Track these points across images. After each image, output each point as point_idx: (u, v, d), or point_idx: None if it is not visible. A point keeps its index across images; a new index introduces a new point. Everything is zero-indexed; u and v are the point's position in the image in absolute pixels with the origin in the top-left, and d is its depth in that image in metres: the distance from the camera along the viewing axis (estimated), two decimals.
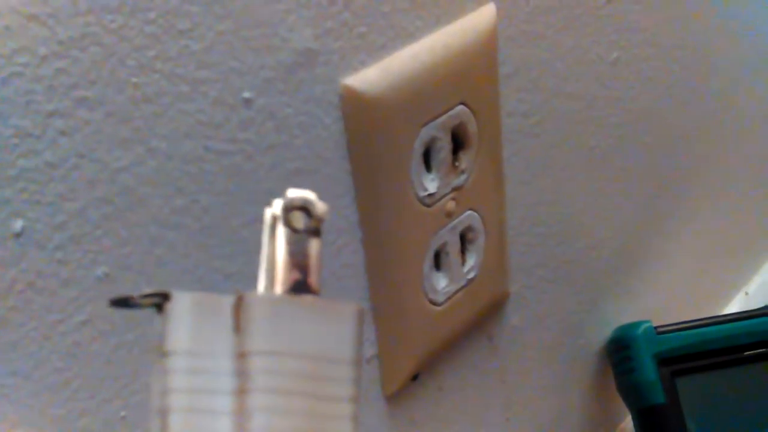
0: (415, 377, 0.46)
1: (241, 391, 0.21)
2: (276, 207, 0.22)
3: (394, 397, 0.45)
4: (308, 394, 0.21)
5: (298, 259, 0.22)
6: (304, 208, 0.22)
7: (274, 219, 0.23)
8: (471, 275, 0.46)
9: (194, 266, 0.34)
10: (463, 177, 0.43)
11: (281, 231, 0.22)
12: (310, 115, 0.36)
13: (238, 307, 0.21)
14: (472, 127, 0.43)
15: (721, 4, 0.63)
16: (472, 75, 0.42)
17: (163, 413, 0.21)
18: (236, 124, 0.33)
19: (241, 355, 0.21)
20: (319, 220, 0.22)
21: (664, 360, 0.60)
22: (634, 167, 0.59)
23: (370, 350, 0.43)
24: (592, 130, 0.54)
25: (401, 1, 0.38)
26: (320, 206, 0.22)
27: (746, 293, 0.81)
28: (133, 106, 0.30)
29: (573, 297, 0.58)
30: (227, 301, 0.22)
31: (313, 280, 0.22)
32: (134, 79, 0.30)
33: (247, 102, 0.33)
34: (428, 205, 0.42)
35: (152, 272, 0.32)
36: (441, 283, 0.45)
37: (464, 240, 0.45)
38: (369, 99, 0.37)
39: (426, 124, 0.40)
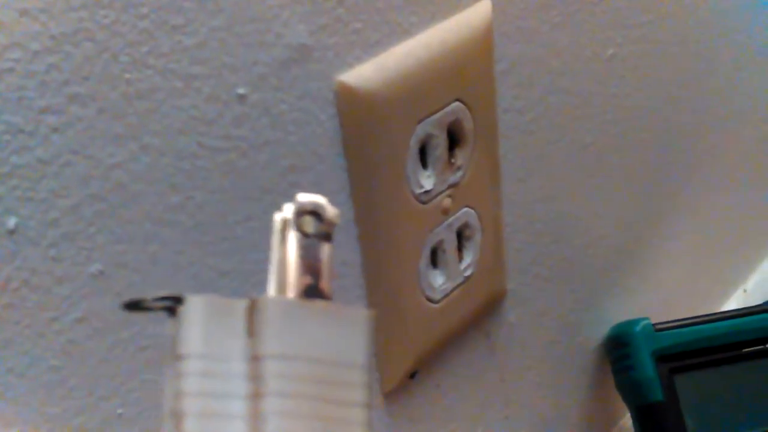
0: (412, 375, 0.46)
1: (255, 395, 0.21)
2: (287, 211, 0.22)
3: (392, 395, 0.45)
4: (321, 398, 0.21)
5: (309, 264, 0.22)
6: (315, 212, 0.22)
7: (284, 223, 0.23)
8: (468, 272, 0.46)
9: (189, 263, 0.34)
10: (459, 174, 0.43)
11: (292, 235, 0.22)
12: (305, 111, 0.36)
13: (252, 311, 0.21)
14: (468, 124, 0.43)
15: (717, 1, 0.63)
16: (468, 71, 0.42)
17: (177, 417, 0.21)
18: (230, 120, 0.33)
19: (254, 359, 0.21)
20: (331, 224, 0.22)
21: (662, 357, 0.60)
22: (631, 164, 0.59)
23: None
24: (588, 126, 0.54)
25: None
26: (331, 211, 0.23)
27: (744, 290, 0.81)
28: (126, 102, 0.30)
29: (571, 294, 0.58)
30: (240, 305, 0.22)
31: (324, 284, 0.22)
32: (127, 75, 0.29)
33: (241, 98, 0.33)
34: (424, 202, 0.42)
35: (147, 269, 0.32)
36: (438, 280, 0.45)
37: (461, 237, 0.45)
38: (364, 95, 0.37)
39: (422, 120, 0.40)
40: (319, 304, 0.22)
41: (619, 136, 0.57)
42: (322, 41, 0.35)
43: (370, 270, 0.41)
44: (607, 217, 0.59)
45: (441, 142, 0.41)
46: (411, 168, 0.40)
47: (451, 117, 0.41)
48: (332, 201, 0.38)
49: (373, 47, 0.37)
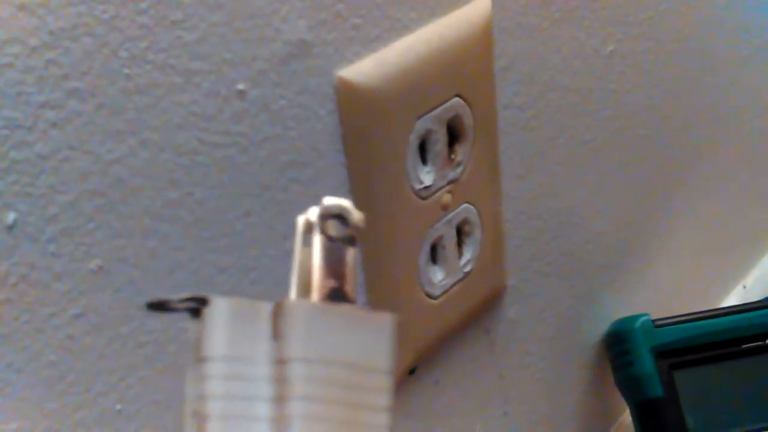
0: (412, 371, 0.46)
1: (279, 398, 0.21)
2: (311, 214, 0.23)
3: None
4: (346, 402, 0.21)
5: (334, 267, 0.22)
6: (341, 216, 0.22)
7: (308, 226, 0.23)
8: (467, 268, 0.46)
9: (189, 259, 0.34)
10: (458, 170, 0.43)
11: (317, 238, 0.22)
12: (305, 107, 0.36)
13: (277, 314, 0.21)
14: (468, 120, 0.43)
15: None
16: (468, 67, 0.42)
17: (201, 419, 0.21)
18: (230, 115, 0.33)
19: (280, 362, 0.21)
20: (356, 228, 0.22)
21: (662, 353, 0.60)
22: (631, 160, 0.59)
23: None
24: (587, 123, 0.53)
25: None
26: (356, 215, 0.23)
27: (744, 286, 0.81)
28: (125, 98, 0.30)
29: (570, 290, 0.58)
30: (265, 307, 0.22)
31: (349, 288, 0.22)
32: (126, 70, 0.29)
33: (241, 93, 0.33)
34: (424, 198, 0.42)
35: (146, 265, 0.32)
36: (437, 276, 0.45)
37: (460, 233, 0.45)
38: (364, 91, 0.37)
39: (421, 116, 0.40)
40: (344, 307, 0.22)
41: (618, 133, 0.57)
42: (322, 37, 0.35)
43: (370, 266, 0.41)
44: (607, 213, 0.59)
45: (441, 138, 0.41)
46: (411, 164, 0.40)
47: (451, 113, 0.41)
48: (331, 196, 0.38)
49: (372, 43, 0.37)
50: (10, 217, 0.28)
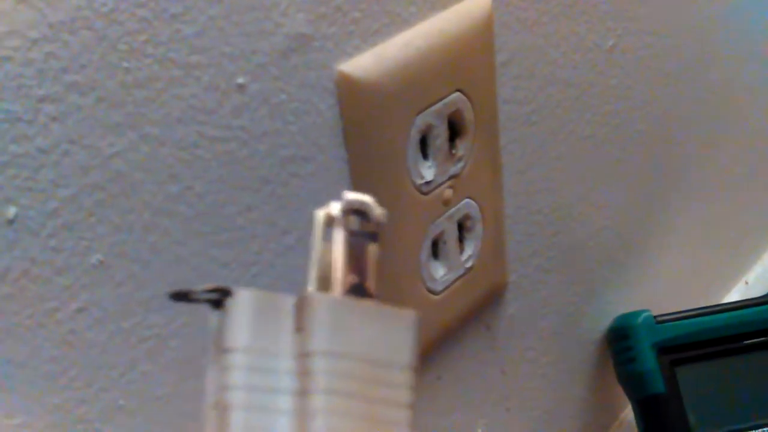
0: None
1: (303, 391, 0.21)
2: (333, 208, 0.23)
3: None
4: (368, 397, 0.21)
5: (355, 262, 0.22)
6: (362, 211, 0.22)
7: (328, 220, 0.23)
8: (469, 264, 0.46)
9: (189, 254, 0.34)
10: (460, 165, 0.43)
11: (339, 233, 0.22)
12: (305, 101, 0.36)
13: (301, 307, 0.21)
14: (469, 115, 0.42)
15: None
16: (468, 61, 0.42)
17: (223, 409, 0.21)
18: (230, 109, 0.33)
19: (303, 355, 0.21)
20: (378, 224, 0.23)
21: (663, 349, 0.60)
22: (632, 155, 0.59)
23: None
24: (588, 117, 0.53)
25: None
26: (378, 211, 0.23)
27: (746, 282, 0.81)
28: (124, 91, 0.30)
29: (571, 286, 0.58)
30: (288, 301, 0.22)
31: (370, 284, 0.22)
32: (126, 64, 0.29)
33: (241, 87, 0.33)
34: (425, 193, 0.42)
35: (146, 259, 0.32)
36: (439, 271, 0.44)
37: (462, 228, 0.45)
38: (364, 85, 0.37)
39: (422, 111, 0.40)
40: (367, 303, 0.22)
41: (619, 127, 0.57)
42: (322, 30, 0.35)
43: None
44: (608, 208, 0.59)
45: (441, 133, 0.41)
46: (411, 159, 0.40)
47: (452, 107, 0.41)
48: (332, 192, 0.38)
49: (372, 37, 0.37)
50: (11, 211, 0.28)
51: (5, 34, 0.26)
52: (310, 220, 0.37)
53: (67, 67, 0.28)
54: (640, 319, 0.60)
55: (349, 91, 0.37)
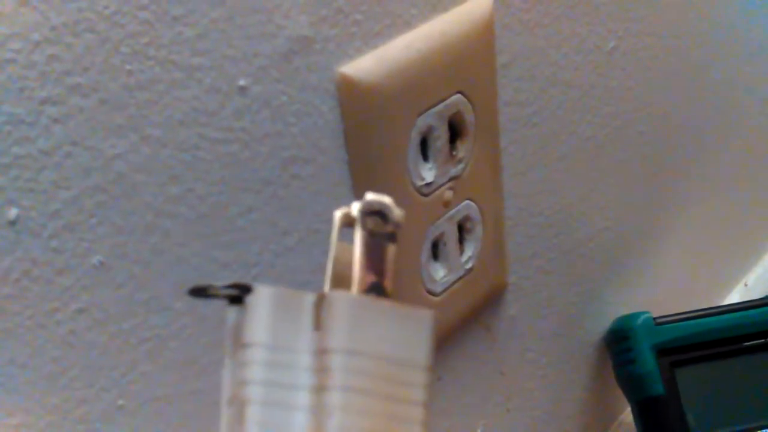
0: None
1: (320, 388, 0.21)
2: (353, 209, 0.23)
3: None
4: (384, 395, 0.22)
5: (374, 262, 0.23)
6: (382, 212, 0.23)
7: (345, 220, 0.23)
8: (469, 265, 0.46)
9: (191, 255, 0.34)
10: (460, 166, 0.43)
11: (358, 234, 0.23)
12: (306, 103, 0.36)
13: (320, 305, 0.22)
14: (469, 116, 0.43)
15: None
16: (469, 63, 0.42)
17: (241, 404, 0.21)
18: (231, 111, 0.33)
19: (321, 352, 0.21)
20: (396, 225, 0.23)
21: (663, 351, 0.60)
22: (632, 157, 0.59)
23: None
24: (589, 119, 0.53)
25: None
26: (397, 212, 0.23)
27: (745, 284, 0.81)
28: (126, 93, 0.30)
29: (571, 288, 0.58)
30: (308, 298, 0.22)
31: (388, 283, 0.23)
32: (128, 66, 0.29)
33: (242, 89, 0.33)
34: (425, 195, 0.42)
35: (148, 261, 0.32)
36: (439, 273, 0.45)
37: (462, 230, 0.45)
38: (365, 87, 0.37)
39: (422, 112, 0.40)
40: (386, 302, 0.22)
41: (620, 129, 0.57)
42: (323, 33, 0.35)
43: None
44: (608, 210, 0.59)
45: (442, 135, 0.41)
46: (412, 160, 0.40)
47: (453, 109, 0.41)
48: (333, 193, 0.38)
49: (374, 39, 0.37)
50: (13, 212, 0.28)
51: (7, 36, 0.26)
52: (310, 222, 0.38)
53: (70, 69, 0.28)
54: (639, 321, 0.60)
55: (350, 93, 0.37)
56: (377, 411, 0.21)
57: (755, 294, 0.78)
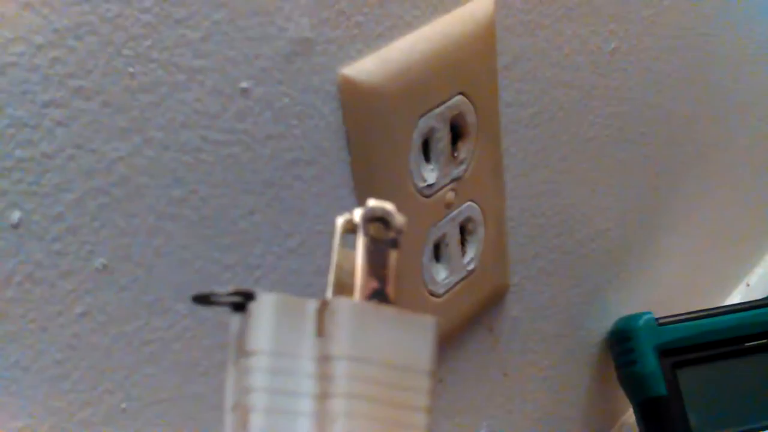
0: None
1: (323, 395, 0.21)
2: (355, 215, 0.23)
3: None
4: (387, 401, 0.22)
5: (376, 269, 0.23)
6: (384, 219, 0.23)
7: (348, 227, 0.23)
8: (471, 266, 0.46)
9: (193, 257, 0.34)
10: (462, 168, 0.43)
11: (360, 240, 0.23)
12: (308, 104, 0.36)
13: (323, 312, 0.22)
14: (471, 118, 0.43)
15: None
16: (471, 65, 0.42)
17: (244, 411, 0.21)
18: (233, 113, 0.33)
19: (324, 359, 0.21)
20: (398, 231, 0.23)
21: (665, 351, 0.60)
22: (634, 158, 0.59)
23: None
24: (590, 120, 0.53)
25: None
26: (399, 218, 0.23)
27: (748, 284, 0.81)
28: (129, 96, 0.30)
29: (573, 288, 0.58)
30: (311, 305, 0.22)
31: (390, 290, 0.23)
32: (131, 69, 0.29)
33: (245, 92, 0.33)
34: (427, 196, 0.42)
35: (151, 263, 0.32)
36: (441, 274, 0.45)
37: (464, 231, 0.45)
38: (367, 89, 0.37)
39: (424, 114, 0.40)
40: (388, 309, 0.22)
41: (621, 130, 0.57)
42: (325, 34, 0.35)
43: None
44: (610, 210, 0.59)
45: (444, 136, 0.41)
46: (414, 162, 0.40)
47: (454, 111, 0.41)
48: (335, 195, 0.38)
49: (375, 40, 0.37)
50: (16, 215, 0.28)
51: (10, 40, 0.26)
52: (313, 224, 0.38)
53: (72, 72, 0.28)
54: (641, 322, 0.60)
55: (351, 95, 0.37)
56: (381, 417, 0.22)
57: (757, 294, 0.78)
